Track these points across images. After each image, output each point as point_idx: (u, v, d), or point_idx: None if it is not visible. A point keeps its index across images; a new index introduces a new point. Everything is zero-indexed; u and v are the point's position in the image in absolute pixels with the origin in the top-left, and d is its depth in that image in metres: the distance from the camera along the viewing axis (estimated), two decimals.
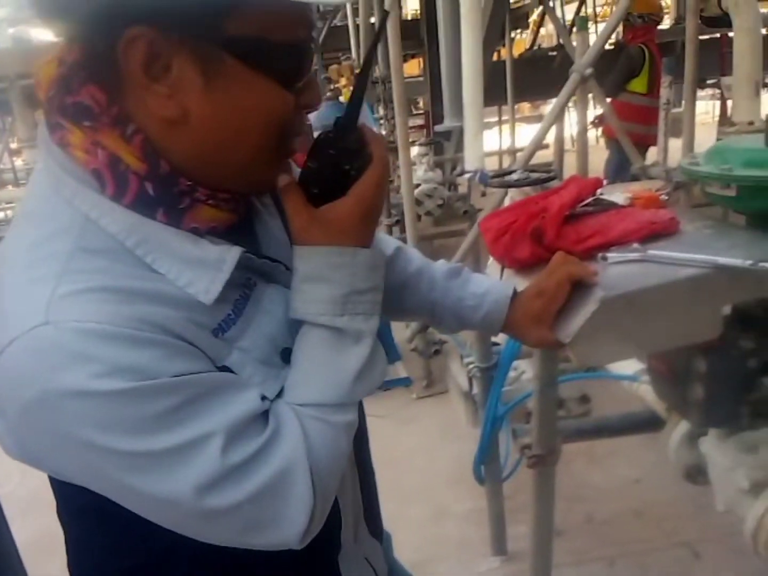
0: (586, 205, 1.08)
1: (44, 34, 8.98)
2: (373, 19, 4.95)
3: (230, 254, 0.58)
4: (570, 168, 3.38)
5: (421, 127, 6.17)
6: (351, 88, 3.35)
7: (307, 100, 0.60)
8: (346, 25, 6.49)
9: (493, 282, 0.93)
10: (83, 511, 0.64)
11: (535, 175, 2.09)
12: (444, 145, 5.22)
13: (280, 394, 0.61)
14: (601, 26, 8.14)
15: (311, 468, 0.56)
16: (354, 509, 0.76)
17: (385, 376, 0.64)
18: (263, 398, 0.58)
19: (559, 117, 2.81)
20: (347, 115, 0.61)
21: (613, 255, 0.95)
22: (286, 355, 0.62)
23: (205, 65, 0.53)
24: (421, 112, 7.14)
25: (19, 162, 8.08)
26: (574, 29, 6.47)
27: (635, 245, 0.97)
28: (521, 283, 0.92)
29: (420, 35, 5.40)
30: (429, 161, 4.02)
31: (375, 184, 0.60)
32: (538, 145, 2.69)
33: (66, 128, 0.55)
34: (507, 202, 2.28)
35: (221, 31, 0.52)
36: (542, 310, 0.84)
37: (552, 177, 2.06)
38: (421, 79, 6.11)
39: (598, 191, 1.14)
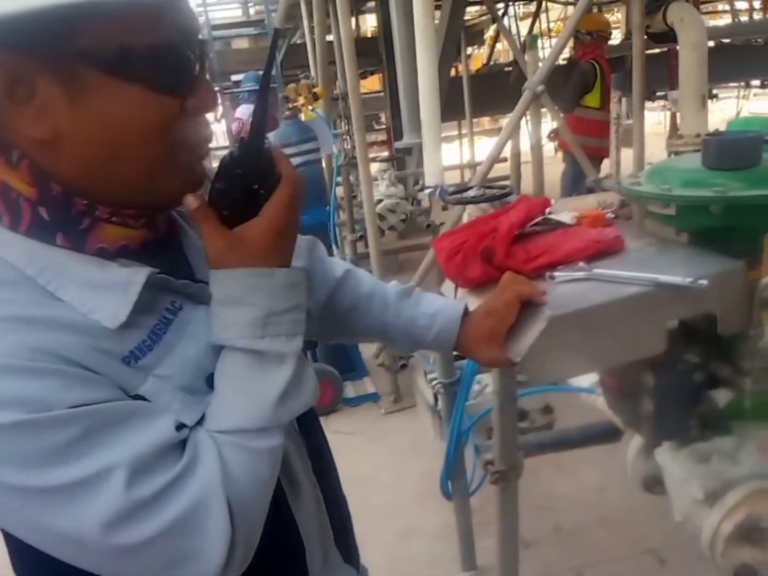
0: (535, 224, 1.11)
1: None
2: (330, 37, 5.01)
3: (137, 276, 0.57)
4: (527, 180, 3.44)
5: (383, 142, 6.22)
6: (309, 107, 3.36)
7: (195, 104, 0.58)
8: (305, 44, 6.56)
9: (445, 301, 0.94)
10: (36, 563, 0.58)
11: (491, 192, 2.13)
12: (406, 159, 5.28)
13: (202, 421, 0.58)
14: (555, 41, 8.35)
15: (229, 499, 0.54)
16: (320, 534, 0.74)
17: (316, 395, 0.63)
18: (181, 426, 0.56)
19: (514, 132, 2.86)
20: (252, 134, 0.59)
21: (560, 274, 0.97)
22: (212, 381, 0.60)
23: (67, 83, 0.52)
24: (383, 127, 7.21)
25: None
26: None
27: (581, 264, 0.99)
28: (474, 302, 0.93)
29: (379, 52, 5.46)
30: (391, 176, 4.05)
31: (286, 202, 0.59)
32: (494, 160, 2.74)
33: None
34: (465, 218, 2.31)
35: (76, 46, 0.51)
36: (492, 329, 0.85)
37: (507, 193, 2.10)
38: (382, 94, 6.18)
39: (547, 210, 1.16)
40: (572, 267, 0.99)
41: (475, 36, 6.41)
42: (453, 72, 5.70)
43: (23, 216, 0.56)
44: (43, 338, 0.51)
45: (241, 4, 7.12)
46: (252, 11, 6.93)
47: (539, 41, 6.94)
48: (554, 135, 4.67)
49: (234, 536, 0.54)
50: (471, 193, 2.12)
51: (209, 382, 0.60)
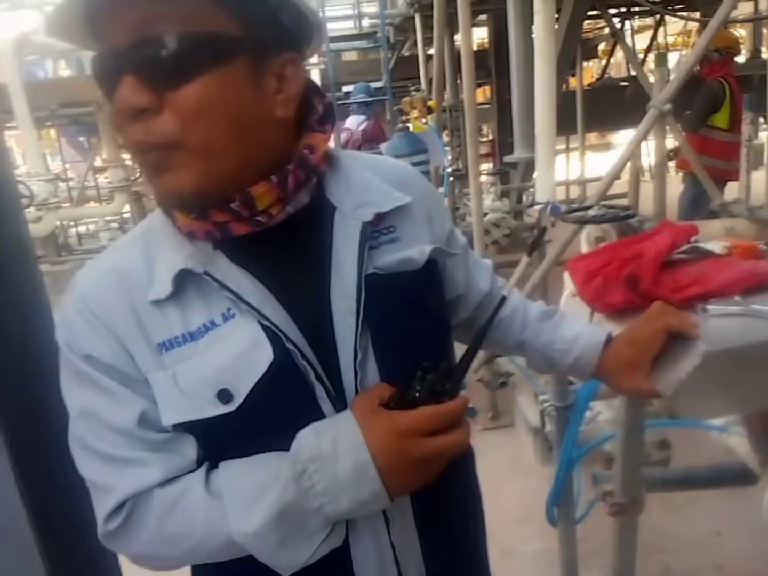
0: (681, 252, 1.07)
1: None
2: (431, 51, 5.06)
3: (176, 266, 0.63)
4: (646, 200, 3.30)
5: (486, 155, 6.18)
6: (422, 120, 3.40)
7: (114, 107, 0.59)
8: (413, 55, 6.64)
9: (585, 326, 0.92)
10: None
11: (613, 212, 2.07)
12: (510, 173, 5.22)
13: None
14: (672, 56, 7.98)
15: (133, 499, 0.62)
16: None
17: (289, 567, 0.62)
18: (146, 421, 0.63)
19: (635, 150, 2.76)
20: (456, 372, 0.64)
21: (713, 307, 0.93)
22: (222, 396, 0.62)
23: None
24: (486, 139, 7.16)
25: (101, 179, 8.55)
26: (648, 60, 6.40)
27: (737, 298, 0.94)
28: (612, 329, 0.91)
29: (488, 65, 5.44)
30: (497, 190, 4.01)
31: (425, 418, 0.60)
32: (614, 178, 2.66)
33: None
34: (584, 238, 2.25)
35: None
36: (634, 358, 0.83)
37: (631, 215, 2.03)
38: (486, 106, 6.14)
39: (693, 238, 1.12)
40: (726, 300, 0.94)
41: (590, 50, 6.25)
42: (564, 86, 5.58)
43: None
44: (116, 297, 0.63)
45: (355, 17, 7.31)
46: (365, 23, 7.10)
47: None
48: (674, 154, 4.46)
49: (115, 530, 0.63)
50: (591, 212, 2.07)
51: (220, 396, 0.62)
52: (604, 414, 2.08)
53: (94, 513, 0.64)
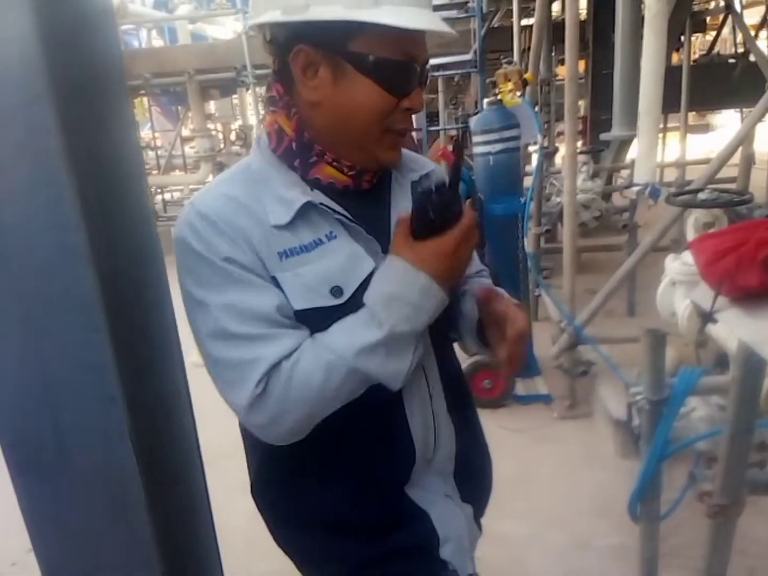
0: None
1: (219, 32, 9.66)
2: (529, 21, 4.84)
3: (301, 199, 0.84)
4: (756, 188, 3.06)
5: (578, 132, 5.91)
6: (516, 93, 3.27)
7: (408, 105, 0.85)
8: (503, 27, 6.41)
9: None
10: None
11: (726, 196, 1.92)
12: (600, 153, 4.98)
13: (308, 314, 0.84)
14: None
15: (276, 374, 0.80)
16: (424, 450, 0.94)
17: (398, 378, 0.83)
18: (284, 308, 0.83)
19: (748, 134, 2.55)
20: (450, 183, 0.83)
21: None
22: (334, 291, 0.83)
23: (335, 71, 0.81)
24: (578, 116, 6.85)
25: (188, 149, 8.82)
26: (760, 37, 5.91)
27: None
28: (740, 313, 0.82)
29: (585, 36, 5.18)
30: (588, 170, 3.84)
31: (458, 238, 0.82)
32: (725, 161, 2.47)
33: (266, 113, 0.92)
34: (691, 222, 2.10)
35: (348, 48, 0.80)
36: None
37: (746, 200, 1.87)
38: (580, 81, 5.87)
39: None
40: None
41: (697, 23, 5.84)
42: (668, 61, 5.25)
43: (283, 144, 0.88)
44: (240, 217, 0.83)
45: None
46: None
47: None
48: None
49: (257, 395, 0.80)
50: (702, 195, 1.92)
51: (333, 291, 0.83)
52: (699, 411, 1.96)
53: (194, 458, 0.74)
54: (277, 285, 0.83)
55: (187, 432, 0.84)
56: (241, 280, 0.81)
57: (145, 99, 8.75)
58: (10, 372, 0.70)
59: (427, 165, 1.02)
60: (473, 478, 1.05)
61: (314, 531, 0.98)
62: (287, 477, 0.97)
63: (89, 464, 0.75)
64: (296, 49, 0.81)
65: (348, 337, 0.81)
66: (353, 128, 0.84)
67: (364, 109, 0.82)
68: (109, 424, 0.72)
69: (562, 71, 5.50)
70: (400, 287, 0.81)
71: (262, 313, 0.80)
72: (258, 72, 5.96)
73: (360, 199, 0.89)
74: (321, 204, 0.84)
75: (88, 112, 0.69)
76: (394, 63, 0.80)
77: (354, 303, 0.83)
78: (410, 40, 0.81)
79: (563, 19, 3.11)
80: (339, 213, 0.85)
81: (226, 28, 8.69)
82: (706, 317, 0.97)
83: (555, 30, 4.65)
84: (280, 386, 0.80)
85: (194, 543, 0.86)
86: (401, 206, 0.92)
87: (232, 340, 0.80)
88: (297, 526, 0.99)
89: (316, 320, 0.83)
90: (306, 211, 0.84)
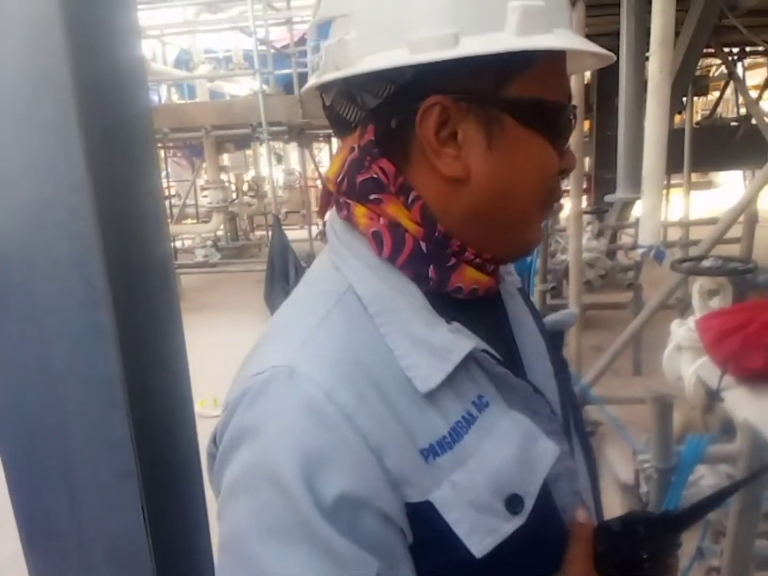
0: None
1: (237, 90, 9.95)
2: None
3: (462, 344, 0.53)
4: (760, 247, 3.09)
5: (582, 191, 6.01)
6: None
7: (566, 164, 0.59)
8: None
9: None
10: None
11: (731, 265, 1.95)
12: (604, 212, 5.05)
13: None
14: None
15: None
16: None
17: None
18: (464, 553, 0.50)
19: (752, 199, 2.61)
20: (684, 519, 0.56)
21: None
22: (511, 504, 0.52)
23: (487, 127, 0.55)
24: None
25: (202, 200, 9.02)
26: (764, 105, 6.06)
27: None
28: (745, 394, 0.84)
29: (589, 99, 5.33)
30: (593, 229, 3.90)
31: None
32: (728, 227, 2.51)
33: (351, 205, 0.58)
34: (696, 289, 2.13)
35: (502, 95, 0.55)
36: None
37: (751, 269, 1.90)
38: (585, 140, 5.99)
39: None
40: None
41: (700, 88, 6.00)
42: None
43: (405, 248, 0.56)
44: (361, 402, 0.49)
45: None
46: None
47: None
48: None
49: None
50: (707, 263, 1.96)
51: (509, 504, 0.52)
52: (707, 479, 1.94)
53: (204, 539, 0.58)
54: (426, 518, 0.50)
55: (197, 503, 0.85)
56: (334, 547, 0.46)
57: (161, 151, 9.02)
58: (32, 447, 0.73)
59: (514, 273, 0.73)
60: None
61: None
62: None
63: (102, 537, 0.76)
64: (427, 103, 0.53)
65: None
66: (514, 205, 0.57)
67: (534, 174, 0.57)
68: (123, 498, 0.74)
69: None
70: None
71: None
72: (273, 129, 6.14)
73: (477, 309, 0.60)
74: (483, 351, 0.54)
75: (121, 175, 0.72)
76: (560, 106, 0.57)
77: (535, 519, 0.53)
78: (566, 76, 0.59)
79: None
80: (501, 363, 0.55)
81: (242, 86, 8.99)
82: (713, 395, 0.99)
83: None
84: None
85: None
86: (520, 317, 0.66)
87: None
88: None
89: (491, 564, 0.51)
90: (461, 365, 0.53)
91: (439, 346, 0.53)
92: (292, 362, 0.50)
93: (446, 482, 0.50)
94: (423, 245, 0.56)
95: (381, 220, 0.57)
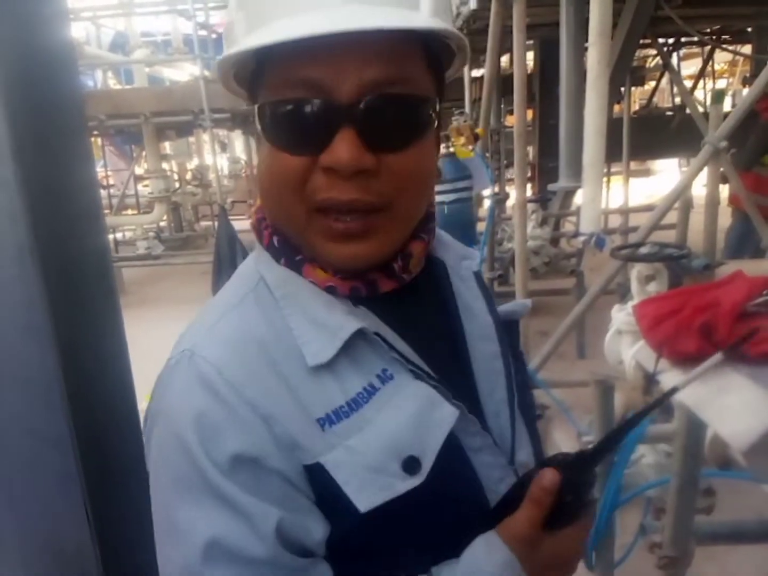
0: (757, 305, 1.03)
1: (177, 75, 9.67)
2: (477, 72, 5.04)
3: (348, 326, 0.55)
4: (695, 232, 3.23)
5: (527, 179, 6.12)
6: (469, 147, 3.38)
7: (328, 160, 0.52)
8: (454, 78, 6.61)
9: None
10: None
11: (667, 251, 2.02)
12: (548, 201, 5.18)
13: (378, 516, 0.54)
14: (719, 84, 7.87)
15: None
16: None
17: None
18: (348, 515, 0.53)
19: (687, 187, 2.71)
20: (592, 458, 0.57)
21: None
22: (408, 465, 0.54)
23: (257, 134, 0.57)
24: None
25: (141, 188, 8.73)
26: (698, 94, 6.31)
27: None
28: (679, 376, 0.88)
29: (532, 89, 5.43)
30: (537, 218, 3.98)
31: (582, 536, 0.59)
32: (664, 214, 2.61)
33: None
34: (634, 275, 2.21)
35: (255, 100, 0.57)
36: None
37: (685, 255, 1.98)
38: (528, 129, 6.11)
39: (766, 291, 1.08)
40: None
41: (636, 78, 6.20)
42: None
43: (263, 238, 0.62)
44: (251, 373, 0.54)
45: None
46: None
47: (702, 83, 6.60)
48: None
49: None
50: (644, 250, 2.03)
51: (405, 466, 0.54)
52: (648, 458, 2.02)
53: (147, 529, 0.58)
54: (320, 478, 0.54)
55: (143, 499, 0.83)
56: (235, 502, 0.52)
57: (98, 139, 8.68)
58: None
59: (473, 254, 0.72)
60: None
61: None
62: None
63: (45, 539, 0.74)
64: (254, 109, 0.56)
65: None
66: (276, 210, 0.58)
67: (271, 181, 0.56)
68: (66, 499, 0.72)
69: (511, 120, 5.73)
70: None
71: (260, 558, 0.52)
72: (216, 116, 5.99)
73: (408, 298, 0.62)
74: (375, 334, 0.56)
75: (51, 166, 0.69)
76: (276, 104, 0.54)
77: (433, 480, 0.55)
78: (312, 61, 0.51)
79: (512, 73, 3.28)
80: (394, 349, 0.57)
81: (183, 72, 8.73)
82: (650, 378, 1.03)
83: (504, 82, 4.86)
84: None
85: None
86: (470, 303, 0.66)
87: None
88: None
89: (386, 519, 0.54)
90: (356, 342, 0.56)
91: (332, 325, 0.56)
92: (194, 345, 0.56)
93: (341, 447, 0.54)
94: (275, 240, 0.60)
95: (257, 214, 0.63)
